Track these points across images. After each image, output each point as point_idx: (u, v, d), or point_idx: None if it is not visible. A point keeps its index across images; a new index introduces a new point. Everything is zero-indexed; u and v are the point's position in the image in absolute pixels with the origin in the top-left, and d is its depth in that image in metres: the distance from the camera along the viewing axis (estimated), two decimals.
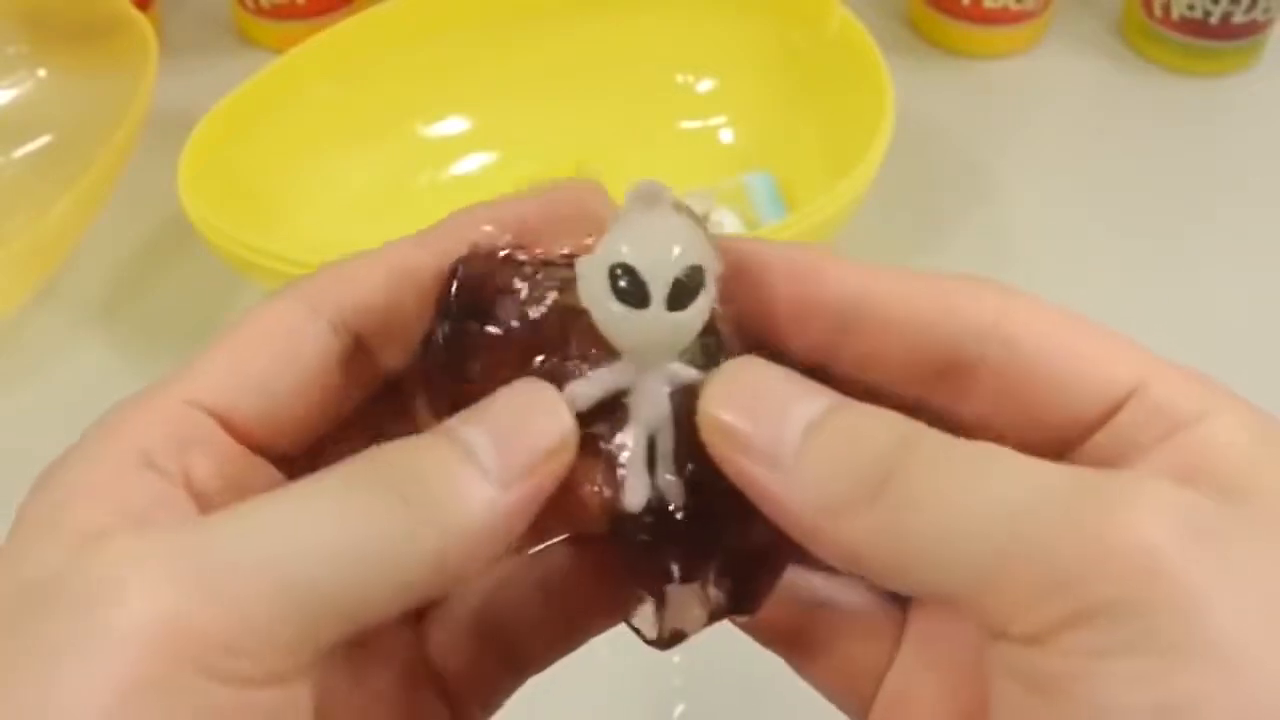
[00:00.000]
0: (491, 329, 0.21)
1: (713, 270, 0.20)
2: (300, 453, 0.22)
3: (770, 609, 0.22)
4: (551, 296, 0.21)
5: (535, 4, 0.58)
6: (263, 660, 0.17)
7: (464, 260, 0.21)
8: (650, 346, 0.20)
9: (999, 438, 0.20)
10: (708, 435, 0.20)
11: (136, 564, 0.17)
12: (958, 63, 0.65)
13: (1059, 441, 0.20)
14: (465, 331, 0.21)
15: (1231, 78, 0.63)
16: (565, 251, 0.21)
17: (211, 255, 0.47)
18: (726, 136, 0.58)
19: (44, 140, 0.58)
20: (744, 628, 0.24)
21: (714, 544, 0.21)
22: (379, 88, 0.57)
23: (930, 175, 0.58)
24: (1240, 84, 0.63)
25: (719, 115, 0.59)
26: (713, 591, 0.21)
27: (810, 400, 0.20)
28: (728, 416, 0.20)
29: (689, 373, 0.20)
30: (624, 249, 0.19)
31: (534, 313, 0.21)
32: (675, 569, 0.20)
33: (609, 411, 0.20)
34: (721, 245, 0.21)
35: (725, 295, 0.21)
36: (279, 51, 0.55)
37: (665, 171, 0.63)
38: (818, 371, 0.21)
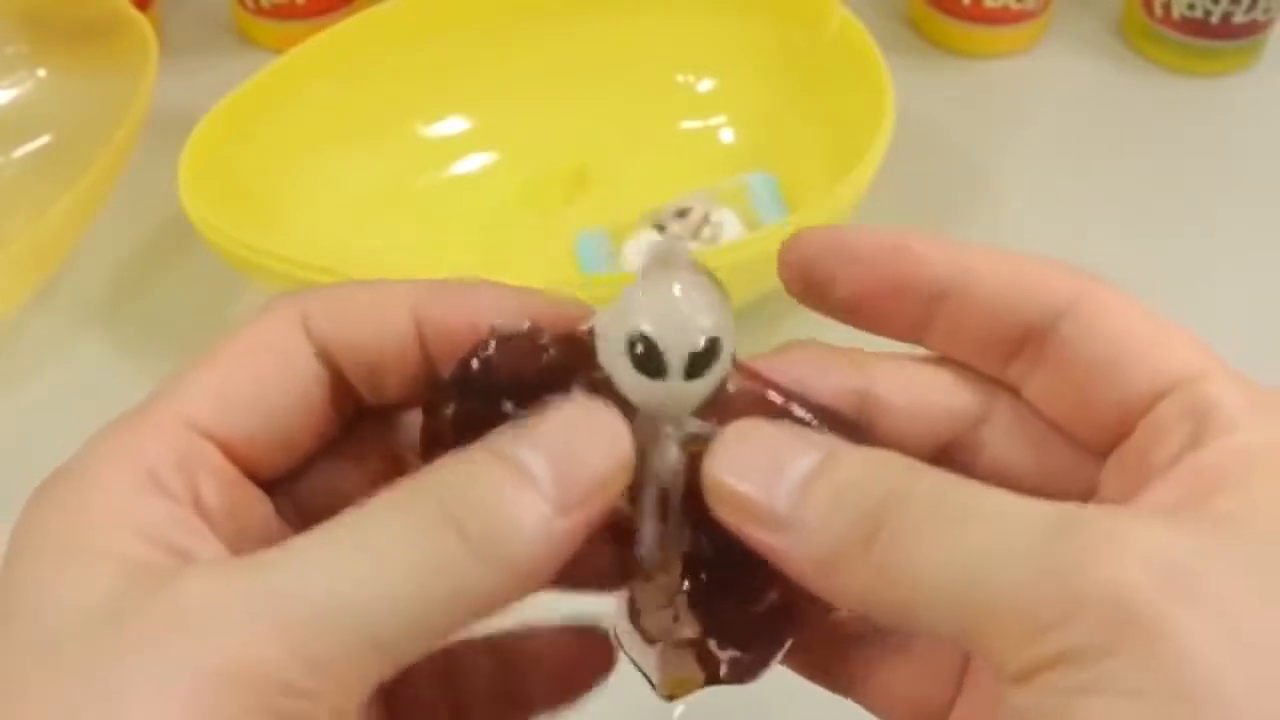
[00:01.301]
0: (503, 411, 0.21)
1: (731, 331, 0.20)
2: (281, 475, 0.22)
3: (829, 652, 0.23)
4: (571, 373, 0.21)
5: (535, 4, 0.58)
6: (325, 699, 0.17)
7: (480, 344, 0.21)
8: (665, 411, 0.20)
9: (1054, 429, 0.22)
10: (711, 499, 0.20)
11: (208, 602, 0.17)
12: (958, 63, 0.65)
13: (1107, 432, 0.21)
14: (474, 413, 0.21)
15: (1231, 78, 0.63)
16: (586, 328, 0.21)
17: (211, 255, 0.47)
18: (726, 136, 0.58)
19: (44, 140, 0.58)
20: (807, 675, 0.24)
21: (724, 601, 0.21)
22: (379, 88, 0.57)
23: (930, 175, 0.58)
24: (1240, 84, 0.63)
25: (719, 115, 0.59)
26: (720, 653, 0.21)
27: (804, 455, 0.20)
28: (727, 479, 0.20)
29: (702, 427, 0.20)
30: (644, 319, 0.19)
31: (551, 395, 0.21)
32: (676, 620, 0.21)
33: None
34: (808, 234, 0.22)
35: (811, 292, 0.22)
36: (279, 51, 0.55)
37: (665, 171, 0.63)
38: (833, 415, 0.22)
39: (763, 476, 0.20)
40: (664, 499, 0.21)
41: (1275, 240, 0.56)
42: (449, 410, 0.21)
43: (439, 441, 0.21)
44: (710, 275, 0.21)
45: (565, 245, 0.54)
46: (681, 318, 0.20)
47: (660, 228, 0.52)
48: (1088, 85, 0.64)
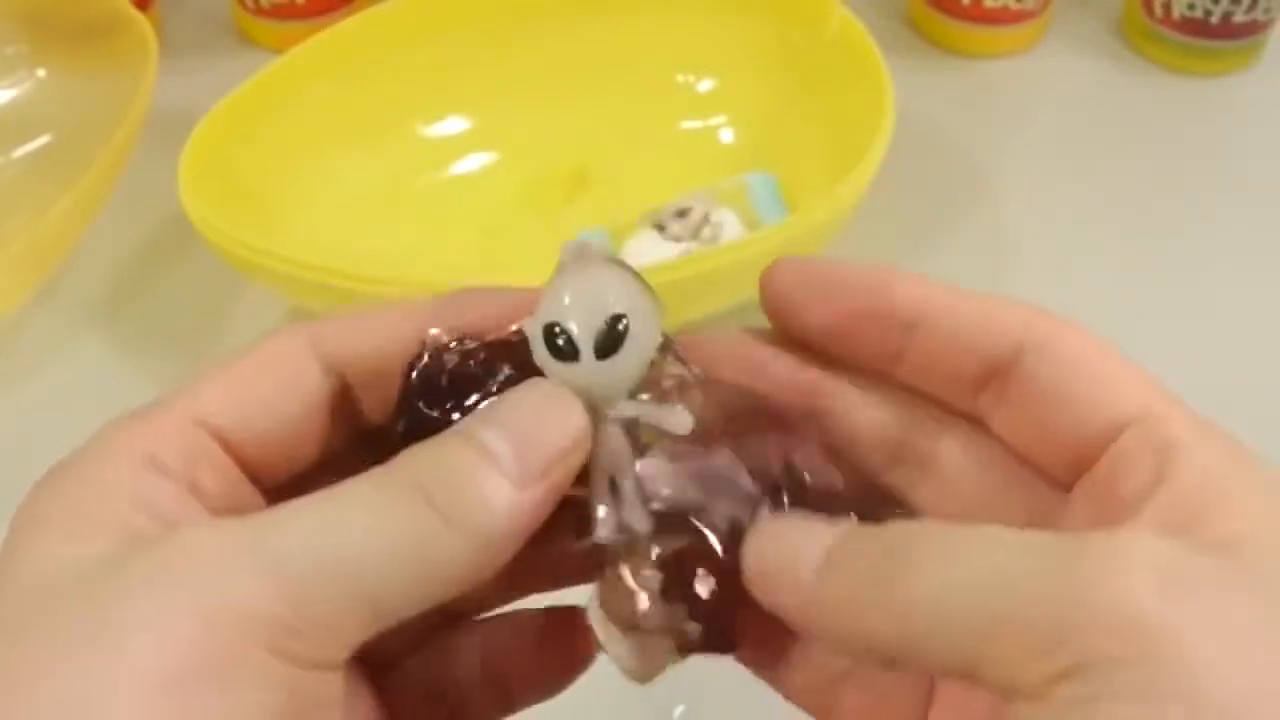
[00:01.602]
0: (450, 415, 0.22)
1: (646, 313, 0.21)
2: (279, 484, 0.23)
3: (800, 684, 0.24)
4: (503, 372, 0.22)
5: (535, 4, 0.58)
6: (317, 644, 0.19)
7: (417, 356, 0.22)
8: (595, 394, 0.21)
9: (1020, 461, 0.23)
10: (752, 584, 0.21)
11: (207, 551, 0.19)
12: (958, 63, 0.65)
13: (1069, 464, 0.22)
14: (424, 422, 0.22)
15: (1231, 78, 0.63)
16: (515, 328, 0.22)
17: (211, 255, 0.47)
18: (726, 136, 0.58)
19: (44, 140, 0.58)
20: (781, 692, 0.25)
21: (684, 575, 0.22)
22: (379, 88, 0.57)
23: (930, 175, 0.58)
24: (1240, 84, 0.63)
25: (719, 115, 0.59)
26: (688, 625, 0.22)
27: (822, 536, 0.21)
28: (760, 573, 0.21)
29: (641, 408, 0.22)
30: (553, 310, 0.21)
31: (485, 392, 0.22)
32: (644, 599, 0.21)
33: None
34: (786, 265, 0.23)
35: (780, 314, 0.23)
36: (279, 51, 0.55)
37: (665, 171, 0.63)
38: (787, 405, 0.23)
39: (788, 560, 0.21)
40: (614, 482, 0.22)
41: (1275, 240, 0.56)
42: (400, 426, 0.22)
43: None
44: (622, 265, 0.22)
45: None
46: (585, 301, 0.21)
47: (660, 228, 0.52)
48: (1088, 85, 0.64)
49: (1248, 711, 0.17)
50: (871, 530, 0.21)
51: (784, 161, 0.55)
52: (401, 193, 0.56)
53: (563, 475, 0.21)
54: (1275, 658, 0.17)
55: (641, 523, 0.21)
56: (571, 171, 0.57)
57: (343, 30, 0.56)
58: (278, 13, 0.64)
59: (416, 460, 0.21)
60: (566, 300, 0.21)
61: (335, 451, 0.24)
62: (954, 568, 0.19)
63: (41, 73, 0.60)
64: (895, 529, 0.21)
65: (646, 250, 0.51)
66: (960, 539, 0.20)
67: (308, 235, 0.52)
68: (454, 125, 0.58)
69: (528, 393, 0.21)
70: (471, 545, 0.20)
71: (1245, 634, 0.17)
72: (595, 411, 0.22)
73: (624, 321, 0.21)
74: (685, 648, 0.22)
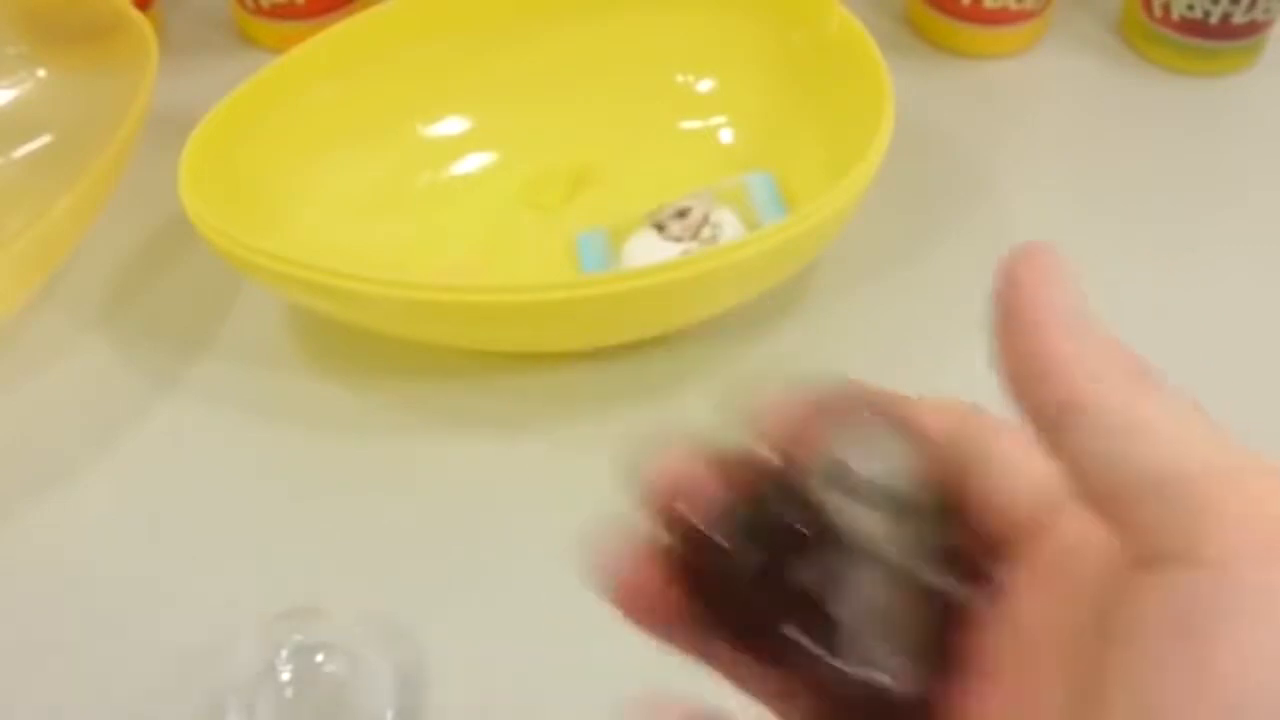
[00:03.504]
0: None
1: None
2: None
3: None
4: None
5: (535, 4, 0.58)
6: None
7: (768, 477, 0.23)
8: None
9: None
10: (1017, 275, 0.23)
11: None
12: (958, 63, 0.65)
13: None
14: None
15: (1231, 78, 0.63)
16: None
17: (211, 255, 0.47)
18: (726, 136, 0.58)
19: (44, 140, 0.58)
20: None
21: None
22: (379, 88, 0.57)
23: (930, 175, 0.58)
24: (1240, 84, 0.63)
25: (719, 115, 0.59)
26: None
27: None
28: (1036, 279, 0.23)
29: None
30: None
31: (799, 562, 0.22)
32: None
33: None
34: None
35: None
36: (279, 51, 0.55)
37: (665, 171, 0.63)
38: None
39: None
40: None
41: (1275, 240, 0.56)
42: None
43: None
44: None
45: (565, 245, 0.54)
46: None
47: (660, 228, 0.52)
48: (1088, 85, 0.64)
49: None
50: None
51: (784, 161, 0.55)
52: (401, 193, 0.56)
53: None
54: None
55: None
56: (571, 171, 0.57)
57: (343, 30, 0.56)
58: (278, 13, 0.64)
59: None
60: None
61: None
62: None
63: (41, 73, 0.60)
64: None
65: (646, 250, 0.51)
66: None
67: (308, 235, 0.52)
68: (454, 125, 0.58)
69: None
70: None
71: None
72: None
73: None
74: None
